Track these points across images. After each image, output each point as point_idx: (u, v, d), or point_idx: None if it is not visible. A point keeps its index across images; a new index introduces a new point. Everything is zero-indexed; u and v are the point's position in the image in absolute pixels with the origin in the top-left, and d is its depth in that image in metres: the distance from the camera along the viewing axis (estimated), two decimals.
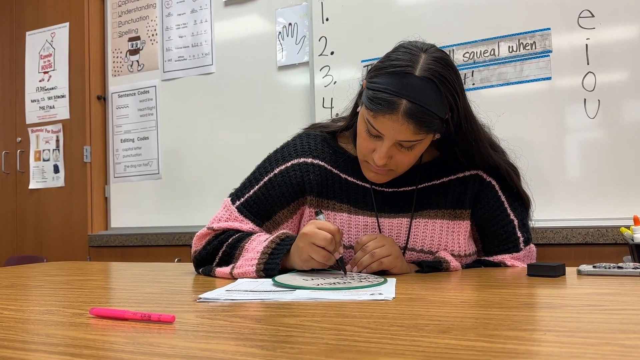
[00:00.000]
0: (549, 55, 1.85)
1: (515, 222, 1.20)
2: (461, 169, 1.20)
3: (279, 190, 1.20)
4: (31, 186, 2.92)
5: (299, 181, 1.20)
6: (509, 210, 1.20)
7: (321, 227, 1.00)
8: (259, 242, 1.11)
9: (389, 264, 1.06)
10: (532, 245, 1.22)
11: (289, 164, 1.22)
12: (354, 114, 1.20)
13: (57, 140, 2.85)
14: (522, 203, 1.22)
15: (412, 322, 0.62)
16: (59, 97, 2.86)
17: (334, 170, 1.21)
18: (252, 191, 1.23)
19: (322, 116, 2.24)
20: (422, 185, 1.19)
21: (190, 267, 1.30)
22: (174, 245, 2.47)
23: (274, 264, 1.04)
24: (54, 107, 2.87)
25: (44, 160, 2.90)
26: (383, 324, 0.61)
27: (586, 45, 1.80)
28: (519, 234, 1.20)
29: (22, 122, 2.98)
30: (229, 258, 1.15)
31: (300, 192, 1.20)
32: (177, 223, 2.60)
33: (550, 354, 0.47)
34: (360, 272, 1.07)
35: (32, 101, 2.94)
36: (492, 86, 1.93)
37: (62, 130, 2.84)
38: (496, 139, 1.25)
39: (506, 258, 1.19)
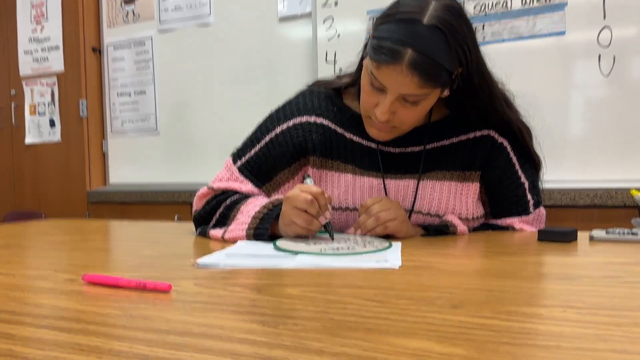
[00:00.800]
0: (563, 9, 1.76)
1: (526, 184, 1.16)
2: (472, 128, 1.15)
3: (280, 151, 1.15)
4: (27, 141, 2.87)
5: (301, 141, 1.15)
6: (520, 172, 1.15)
7: (304, 189, 0.95)
8: (253, 206, 1.07)
9: (394, 228, 1.03)
10: (541, 208, 1.18)
11: (290, 123, 1.17)
12: (360, 68, 1.14)
13: (52, 94, 2.78)
14: (533, 164, 1.18)
15: (422, 294, 0.59)
16: (52, 48, 2.77)
17: (338, 129, 1.16)
18: (253, 151, 1.19)
19: (325, 72, 2.16)
20: (430, 146, 1.14)
21: (190, 226, 1.26)
22: (173, 203, 2.44)
23: (263, 229, 1.01)
24: (47, 59, 2.78)
25: (39, 114, 2.83)
26: (390, 297, 0.58)
27: None
28: (529, 197, 1.16)
29: (16, 74, 2.90)
30: (225, 219, 1.11)
31: (302, 153, 1.15)
32: (176, 180, 2.57)
33: (576, 335, 0.44)
34: (364, 235, 1.04)
35: (25, 52, 2.85)
36: (503, 40, 1.85)
37: (57, 84, 2.77)
38: (511, 96, 1.19)
39: (515, 221, 1.16)
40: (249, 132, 1.23)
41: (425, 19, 0.94)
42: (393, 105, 1.01)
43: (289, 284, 0.66)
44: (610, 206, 1.68)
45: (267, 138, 1.18)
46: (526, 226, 1.16)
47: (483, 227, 1.18)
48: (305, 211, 0.94)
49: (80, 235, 1.24)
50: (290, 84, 2.26)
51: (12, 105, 2.91)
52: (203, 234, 1.14)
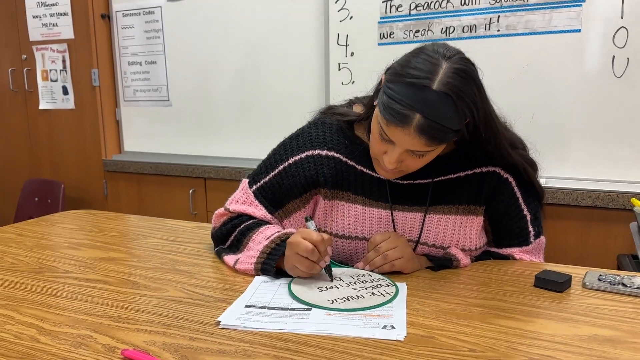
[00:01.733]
0: (581, 5, 1.73)
1: (528, 216, 1.21)
2: (478, 164, 1.19)
3: (292, 181, 1.21)
4: (41, 106, 2.91)
5: (312, 174, 1.20)
6: (523, 205, 1.20)
7: (305, 236, 1.03)
8: (264, 237, 1.14)
9: (400, 266, 1.10)
10: (542, 238, 1.24)
11: (303, 155, 1.21)
12: (371, 106, 1.17)
13: (64, 61, 2.78)
14: (536, 197, 1.23)
15: None
16: (61, 14, 2.73)
17: (349, 162, 1.20)
18: (267, 178, 1.24)
19: (337, 54, 2.15)
20: (437, 179, 1.19)
21: (207, 230, 1.35)
22: (188, 177, 2.51)
23: (269, 266, 1.09)
24: (57, 25, 2.76)
25: (51, 80, 2.85)
26: None
27: None
28: (530, 228, 1.21)
29: (26, 39, 2.88)
30: (238, 244, 1.20)
31: (312, 185, 1.20)
32: (190, 151, 2.62)
33: None
34: (372, 271, 1.12)
35: (34, 17, 2.82)
36: (517, 34, 1.83)
37: (67, 51, 2.76)
38: (516, 132, 1.22)
39: (515, 251, 1.22)
40: (265, 157, 1.28)
41: (435, 85, 0.96)
42: (400, 156, 1.05)
43: None
44: (611, 208, 1.73)
45: (281, 167, 1.23)
46: (525, 256, 1.22)
47: (485, 254, 1.24)
48: (307, 257, 1.02)
49: (103, 257, 1.33)
50: (302, 62, 2.26)
51: (24, 70, 2.91)
52: (219, 256, 1.22)
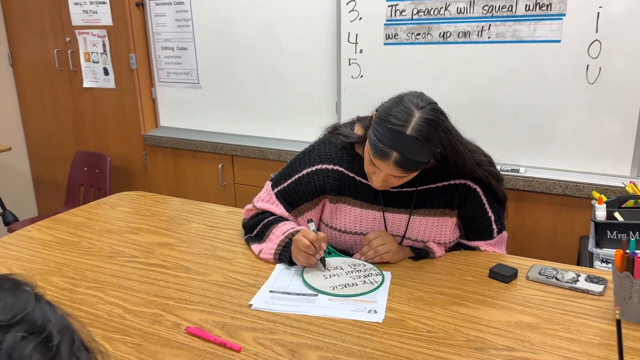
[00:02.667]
0: (561, 19, 1.92)
1: (492, 217, 1.50)
2: (452, 177, 1.46)
3: (305, 188, 1.51)
4: (85, 85, 3.20)
5: (321, 184, 1.49)
6: (487, 209, 1.49)
7: (305, 235, 1.35)
8: (281, 232, 1.47)
9: (388, 258, 1.42)
10: (504, 233, 1.53)
11: (314, 168, 1.50)
12: (365, 134, 1.43)
13: (104, 45, 3.04)
14: (499, 201, 1.51)
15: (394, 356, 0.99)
16: (100, 2, 2.97)
17: (350, 174, 1.49)
18: (286, 183, 1.54)
19: (347, 51, 2.38)
20: (420, 188, 1.48)
21: (237, 216, 1.67)
22: (218, 153, 2.82)
23: (284, 256, 1.42)
24: (96, 13, 3.00)
25: (93, 62, 3.12)
26: None
27: (598, 13, 1.86)
28: (494, 227, 1.50)
29: (69, 23, 3.14)
30: (262, 235, 1.52)
31: (321, 192, 1.50)
32: (218, 129, 2.91)
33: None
34: (366, 261, 1.43)
35: (75, 4, 3.06)
36: (505, 42, 2.04)
37: (107, 36, 3.01)
38: (483, 151, 1.48)
39: (481, 244, 1.52)
40: (286, 164, 1.57)
41: (408, 131, 1.24)
42: (385, 177, 1.34)
43: (310, 345, 1.07)
44: (578, 197, 2.00)
45: (297, 176, 1.53)
46: (489, 247, 1.52)
47: (457, 246, 1.54)
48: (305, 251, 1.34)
49: (161, 255, 1.66)
50: (317, 57, 2.50)
51: (69, 52, 3.19)
52: (247, 243, 1.55)
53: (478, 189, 1.47)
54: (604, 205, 1.71)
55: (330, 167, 1.50)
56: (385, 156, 1.27)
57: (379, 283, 1.32)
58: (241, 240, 1.61)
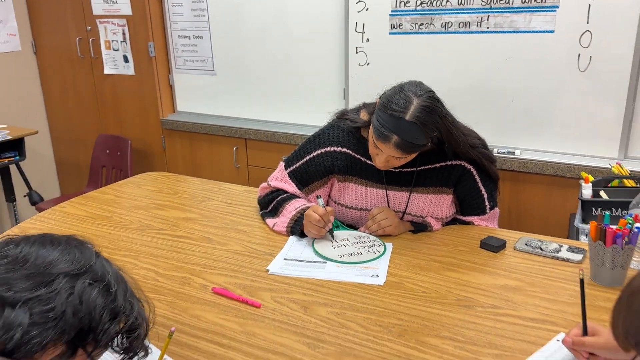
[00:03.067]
0: (555, 10, 2.03)
1: (485, 195, 1.64)
2: (449, 158, 1.60)
3: (315, 169, 1.65)
4: (106, 71, 3.34)
5: (329, 164, 1.64)
6: (481, 187, 1.63)
7: (315, 210, 1.50)
8: (293, 208, 1.61)
9: (390, 231, 1.56)
10: (496, 209, 1.67)
11: (323, 150, 1.64)
12: (370, 119, 1.57)
13: (124, 34, 3.18)
14: (492, 180, 1.64)
15: (387, 320, 1.14)
16: None
17: (356, 155, 1.63)
18: (297, 164, 1.69)
19: (355, 40, 2.50)
20: (420, 168, 1.62)
21: (253, 194, 1.82)
22: (232, 137, 2.96)
23: (296, 229, 1.57)
24: (116, 2, 3.13)
25: (113, 50, 3.26)
26: (371, 322, 1.14)
27: (589, 5, 1.97)
28: (487, 203, 1.64)
29: (90, 13, 3.27)
30: (276, 211, 1.67)
31: (329, 172, 1.65)
32: (232, 113, 3.05)
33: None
34: (370, 234, 1.58)
35: None
36: (503, 32, 2.16)
37: (126, 25, 3.15)
38: (477, 135, 1.61)
39: (475, 219, 1.66)
40: (297, 147, 1.72)
41: (407, 117, 1.37)
42: (387, 159, 1.48)
43: (320, 302, 1.22)
44: (568, 177, 2.12)
45: (307, 157, 1.67)
46: (482, 222, 1.66)
47: (453, 220, 1.69)
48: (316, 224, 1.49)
49: (186, 228, 1.82)
50: (326, 45, 2.62)
51: (90, 40, 3.33)
52: (263, 218, 1.70)
53: (472, 169, 1.61)
54: (590, 184, 1.84)
55: (338, 149, 1.64)
56: (386, 139, 1.40)
57: (381, 252, 1.47)
58: (257, 215, 1.76)
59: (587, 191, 1.85)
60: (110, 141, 3.29)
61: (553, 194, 2.18)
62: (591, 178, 1.91)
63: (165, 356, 1.02)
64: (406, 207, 1.63)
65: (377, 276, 1.35)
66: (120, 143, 3.23)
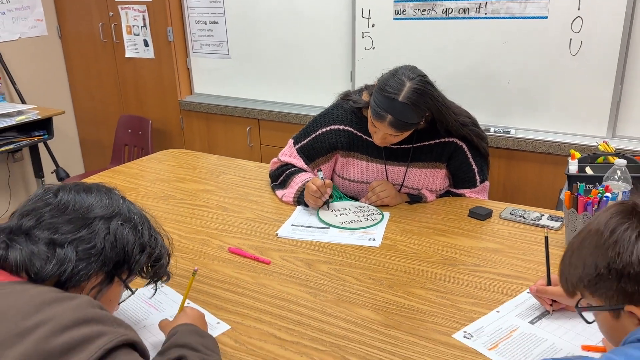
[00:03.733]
0: None
1: (476, 169, 1.77)
2: (442, 136, 1.74)
3: (320, 145, 1.80)
4: (127, 55, 3.50)
5: (334, 141, 1.78)
6: (472, 162, 1.77)
7: (314, 182, 1.65)
8: (300, 180, 1.77)
9: (387, 202, 1.71)
10: (486, 183, 1.81)
11: (328, 128, 1.79)
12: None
13: (144, 19, 3.33)
14: (482, 156, 1.78)
15: (379, 275, 1.30)
16: None
17: (358, 133, 1.78)
18: (305, 141, 1.84)
19: (361, 25, 2.62)
20: (416, 145, 1.76)
21: (264, 170, 1.98)
22: (245, 117, 3.12)
23: (301, 199, 1.72)
24: None
25: (134, 34, 3.42)
26: (366, 277, 1.30)
27: None
28: (477, 177, 1.78)
29: (112, 0, 3.43)
30: (285, 183, 1.83)
31: (333, 148, 1.79)
32: (246, 95, 3.20)
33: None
34: (370, 204, 1.73)
35: None
36: (500, 17, 2.27)
37: (147, 11, 3.30)
38: (468, 114, 1.75)
39: (466, 191, 1.80)
40: (305, 125, 1.86)
41: (400, 98, 1.51)
42: (384, 136, 1.62)
43: (322, 261, 1.39)
44: (559, 154, 2.25)
45: (313, 135, 1.82)
46: (473, 194, 1.80)
47: (446, 193, 1.83)
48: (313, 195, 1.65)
49: (204, 198, 1.99)
50: (334, 30, 2.75)
51: (112, 25, 3.49)
52: (273, 190, 1.87)
53: (464, 146, 1.75)
54: (576, 161, 1.97)
55: (341, 127, 1.79)
56: (381, 118, 1.55)
57: (379, 220, 1.63)
58: (268, 187, 1.92)
59: (573, 167, 1.97)
60: (131, 121, 3.47)
61: (545, 171, 2.31)
62: (578, 155, 2.03)
63: (187, 301, 1.19)
64: (403, 181, 1.78)
65: (374, 240, 1.50)
66: (142, 123, 3.40)
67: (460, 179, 1.80)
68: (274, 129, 3.05)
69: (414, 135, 1.72)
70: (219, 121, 3.26)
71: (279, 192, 1.83)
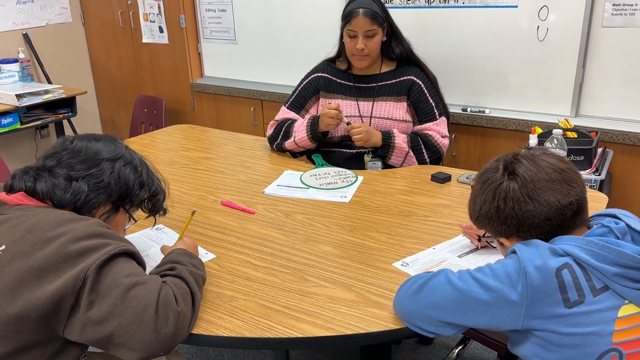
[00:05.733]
0: None
1: (433, 104, 2.04)
2: (403, 74, 2.04)
3: (306, 93, 2.14)
4: (144, 40, 3.76)
5: (316, 85, 2.13)
6: (428, 97, 2.04)
7: (329, 107, 1.95)
8: (301, 122, 2.07)
9: (363, 135, 1.94)
10: (443, 117, 2.07)
11: (309, 78, 2.15)
12: (340, 44, 2.06)
13: (159, 7, 3.58)
14: (436, 91, 2.07)
15: (345, 223, 1.55)
16: None
17: (333, 78, 2.11)
18: (292, 97, 2.18)
19: None
20: (381, 83, 2.05)
21: (261, 141, 2.23)
22: (250, 98, 3.36)
23: (314, 129, 2.01)
24: None
25: (150, 21, 3.67)
26: (333, 225, 1.54)
27: None
28: (435, 111, 2.05)
29: None
30: (287, 134, 2.10)
31: (316, 91, 2.13)
32: (251, 79, 3.44)
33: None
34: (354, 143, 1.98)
35: None
36: (476, 6, 2.46)
37: (162, 0, 3.55)
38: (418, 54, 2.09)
39: (429, 125, 2.04)
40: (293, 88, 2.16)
41: None
42: (363, 40, 1.93)
43: (298, 212, 1.63)
44: (528, 131, 2.44)
45: (299, 87, 2.16)
46: (435, 127, 2.03)
47: (412, 134, 2.05)
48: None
49: (205, 164, 2.24)
50: (325, 18, 2.97)
51: (130, 13, 3.75)
52: (279, 146, 2.14)
53: (420, 82, 2.04)
54: (536, 135, 2.18)
55: (320, 74, 2.14)
56: (355, 14, 1.91)
57: (352, 182, 1.87)
58: (263, 156, 2.17)
59: (533, 141, 2.19)
60: (147, 101, 3.73)
61: (514, 147, 2.51)
62: (539, 130, 2.24)
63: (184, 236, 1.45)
64: (371, 111, 2.06)
65: (345, 197, 1.74)
66: (156, 103, 3.67)
67: (422, 112, 2.06)
68: (276, 110, 3.27)
69: (377, 76, 2.05)
70: (226, 102, 3.51)
71: (289, 143, 2.09)
